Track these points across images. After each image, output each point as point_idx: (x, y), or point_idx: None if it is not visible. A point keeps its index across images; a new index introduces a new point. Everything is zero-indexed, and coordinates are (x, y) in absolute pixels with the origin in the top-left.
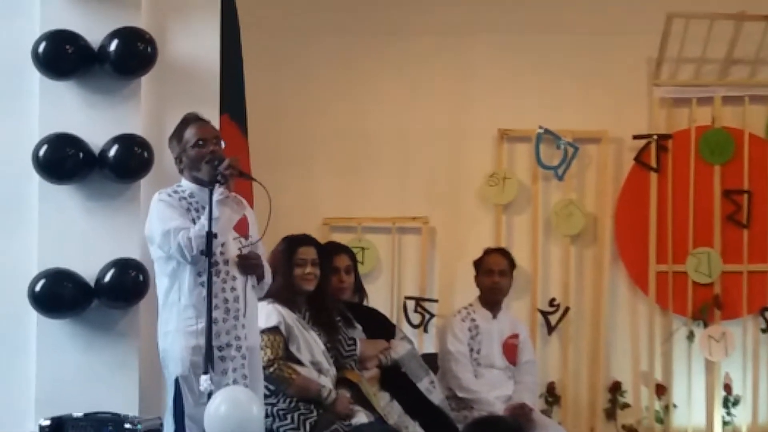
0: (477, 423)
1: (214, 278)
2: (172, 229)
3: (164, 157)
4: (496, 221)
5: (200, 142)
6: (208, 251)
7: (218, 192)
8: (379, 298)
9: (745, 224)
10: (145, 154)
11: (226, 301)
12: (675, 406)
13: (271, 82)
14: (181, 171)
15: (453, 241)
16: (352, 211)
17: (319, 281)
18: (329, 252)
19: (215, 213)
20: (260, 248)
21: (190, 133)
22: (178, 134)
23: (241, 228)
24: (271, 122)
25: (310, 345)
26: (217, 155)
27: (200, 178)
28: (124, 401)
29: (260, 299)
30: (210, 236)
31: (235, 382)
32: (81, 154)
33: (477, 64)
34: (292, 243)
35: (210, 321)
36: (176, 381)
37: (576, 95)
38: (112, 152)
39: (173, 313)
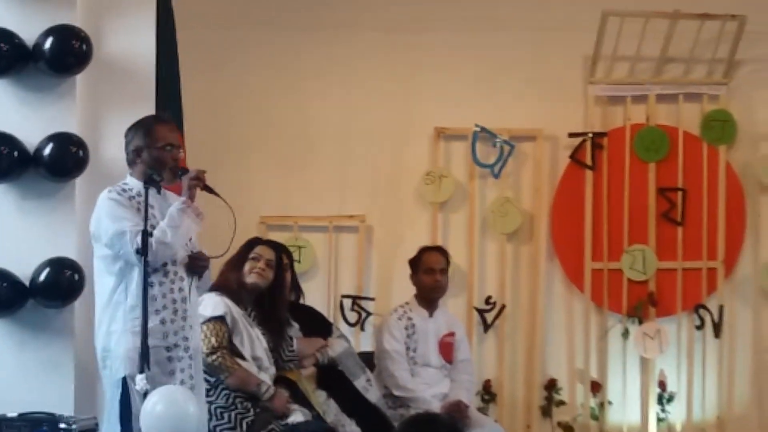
0: (413, 421)
1: (162, 279)
2: (129, 231)
3: (100, 155)
4: (433, 219)
5: (169, 147)
6: (144, 250)
7: (179, 201)
8: (315, 296)
9: (680, 222)
10: (81, 153)
11: (174, 301)
12: (610, 403)
13: (208, 79)
14: (130, 163)
15: (390, 240)
16: (289, 210)
17: (271, 286)
18: None
19: (177, 221)
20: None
21: (162, 133)
22: (146, 128)
23: None
24: (207, 120)
25: (253, 341)
26: (184, 165)
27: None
28: (59, 401)
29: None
30: (146, 235)
31: (182, 382)
32: (15, 153)
33: (414, 62)
34: (254, 241)
35: (146, 320)
36: (123, 381)
37: (512, 93)
38: (47, 151)
39: (119, 313)
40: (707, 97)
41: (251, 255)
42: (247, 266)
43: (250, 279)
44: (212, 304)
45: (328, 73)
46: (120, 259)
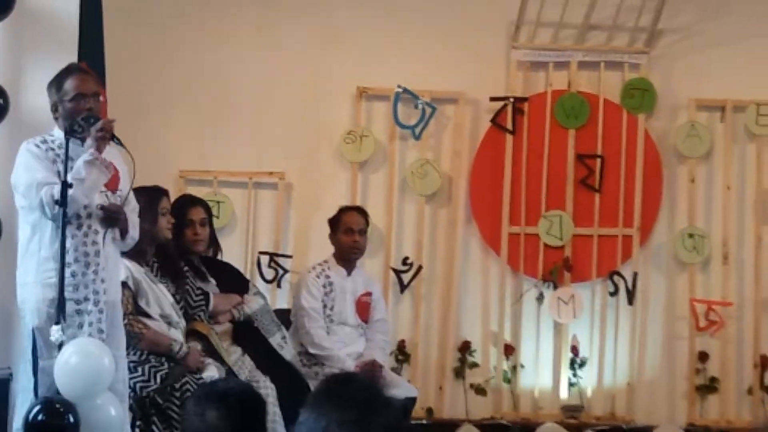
0: (331, 381)
1: (76, 231)
2: (36, 183)
3: (21, 104)
4: (353, 178)
5: (78, 97)
6: (62, 202)
7: (87, 153)
8: (233, 252)
9: (597, 188)
10: (1, 101)
11: (86, 254)
12: (522, 366)
13: (130, 31)
14: (56, 119)
15: (309, 197)
16: (208, 165)
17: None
18: (184, 204)
19: (82, 174)
20: (131, 204)
21: (69, 85)
22: (57, 83)
23: (111, 183)
24: (129, 71)
25: (159, 298)
26: (93, 113)
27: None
28: None
29: None
30: (65, 186)
31: (90, 336)
32: None
33: (338, 21)
34: (157, 193)
35: (63, 271)
36: (33, 332)
37: (435, 55)
38: None
39: (32, 264)
40: (628, 66)
41: (160, 210)
42: (162, 222)
43: (167, 235)
44: None
45: (250, 29)
46: (35, 210)
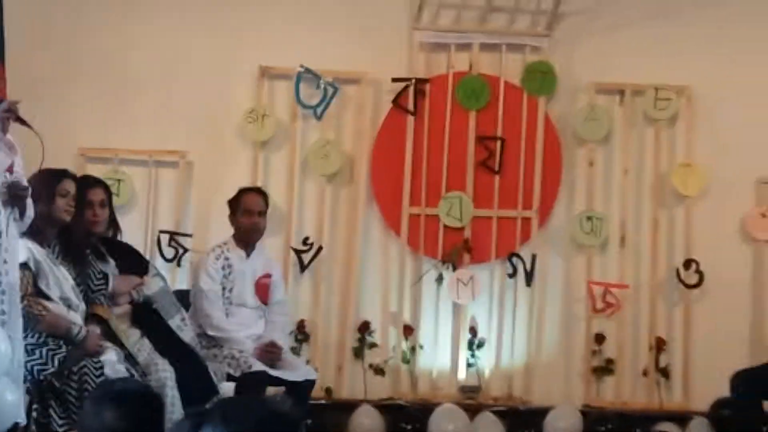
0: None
1: None
2: None
3: None
4: (254, 158)
5: None
6: None
7: None
8: (132, 231)
9: (497, 170)
10: None
11: None
12: (421, 347)
13: (31, 7)
14: None
15: (210, 176)
16: (108, 142)
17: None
18: (83, 185)
19: None
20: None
21: None
22: None
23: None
24: (28, 47)
25: (59, 280)
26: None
27: None
28: None
29: None
30: None
31: None
32: None
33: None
34: (56, 174)
35: None
36: None
37: (337, 36)
38: None
39: None
40: (529, 48)
41: (59, 191)
42: (60, 203)
43: (65, 218)
44: None
45: (153, 6)
46: None
